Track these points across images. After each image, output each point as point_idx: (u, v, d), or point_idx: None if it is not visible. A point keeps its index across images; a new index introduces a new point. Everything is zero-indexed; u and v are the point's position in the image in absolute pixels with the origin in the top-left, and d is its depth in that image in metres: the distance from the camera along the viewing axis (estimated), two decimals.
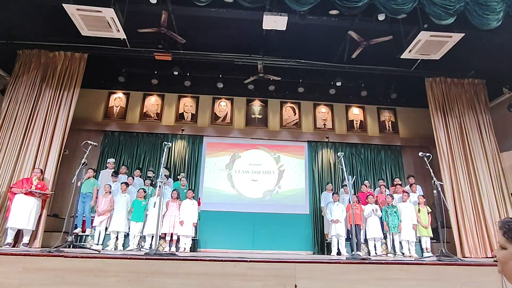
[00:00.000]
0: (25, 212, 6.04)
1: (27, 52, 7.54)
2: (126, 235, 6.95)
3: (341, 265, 3.50)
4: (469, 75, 8.23)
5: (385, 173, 9.58)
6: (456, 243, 7.09)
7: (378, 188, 8.24)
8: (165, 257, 3.48)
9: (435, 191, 5.10)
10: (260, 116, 9.85)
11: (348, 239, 7.34)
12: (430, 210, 7.13)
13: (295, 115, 9.96)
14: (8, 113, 7.01)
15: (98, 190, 7.39)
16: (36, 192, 6.20)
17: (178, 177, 8.46)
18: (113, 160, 8.30)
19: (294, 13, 6.05)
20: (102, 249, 6.59)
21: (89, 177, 7.32)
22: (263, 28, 6.14)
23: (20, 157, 6.75)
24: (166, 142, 5.14)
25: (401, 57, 6.91)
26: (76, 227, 6.89)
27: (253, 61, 7.98)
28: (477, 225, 7.14)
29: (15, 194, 6.13)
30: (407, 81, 8.88)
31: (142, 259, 3.34)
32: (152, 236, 6.70)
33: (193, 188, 8.55)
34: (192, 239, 7.25)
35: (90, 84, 8.60)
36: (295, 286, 3.19)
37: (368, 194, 7.72)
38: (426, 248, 6.96)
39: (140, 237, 6.91)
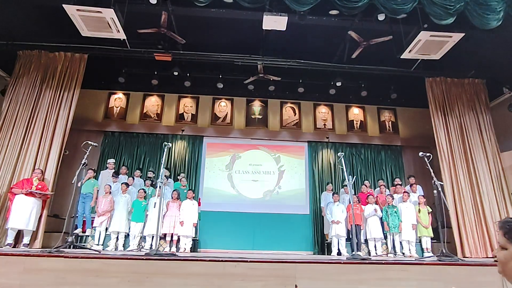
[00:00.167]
0: (25, 213, 6.04)
1: (27, 52, 7.54)
2: (127, 236, 6.95)
3: (342, 265, 3.50)
4: (469, 75, 8.23)
5: (385, 173, 9.58)
6: (457, 243, 7.08)
7: (378, 188, 8.24)
8: (166, 258, 3.48)
9: (435, 191, 5.10)
10: (260, 117, 9.85)
11: (348, 239, 7.34)
12: (430, 210, 7.13)
13: (295, 115, 9.96)
14: (9, 113, 7.01)
15: (98, 190, 7.39)
16: (36, 192, 6.20)
17: (178, 177, 8.46)
18: (113, 160, 8.30)
19: (294, 13, 6.05)
20: (103, 249, 6.59)
21: (89, 178, 7.33)
22: (263, 28, 6.14)
23: (20, 157, 6.75)
24: (166, 143, 5.14)
25: (401, 57, 6.91)
26: (76, 228, 6.89)
27: (253, 61, 7.98)
28: (477, 225, 7.14)
29: (15, 194, 6.13)
30: (407, 81, 8.87)
31: (143, 259, 3.34)
32: (153, 237, 6.71)
33: (193, 188, 8.54)
34: (192, 240, 7.26)
35: (90, 84, 8.60)
36: (296, 286, 3.19)
37: (368, 194, 7.71)
38: (427, 248, 6.95)
39: (141, 237, 6.91)
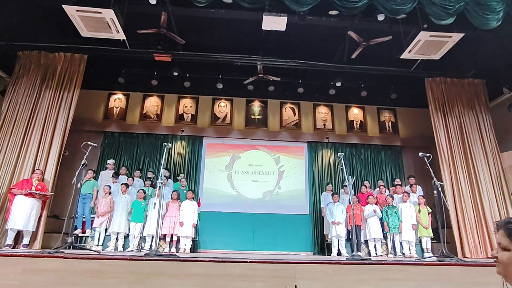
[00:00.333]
0: (25, 213, 6.04)
1: (27, 53, 7.54)
2: (126, 236, 6.94)
3: (342, 265, 3.49)
4: (469, 75, 8.23)
5: (385, 173, 9.58)
6: (457, 243, 7.08)
7: (378, 189, 8.23)
8: (165, 258, 3.47)
9: (435, 191, 5.09)
10: (260, 117, 9.85)
11: (348, 239, 7.34)
12: (430, 211, 7.13)
13: (295, 115, 9.95)
14: (8, 114, 7.01)
15: (98, 191, 7.39)
16: (36, 193, 6.20)
17: (178, 178, 8.45)
18: (113, 161, 8.30)
19: (293, 13, 6.06)
20: (102, 250, 6.58)
21: (89, 178, 7.32)
22: (263, 28, 6.14)
23: (20, 158, 6.75)
24: (166, 143, 5.13)
25: (401, 57, 6.91)
26: (76, 228, 6.89)
27: (252, 61, 7.98)
28: (477, 225, 7.14)
29: (15, 195, 6.13)
30: (407, 81, 8.88)
31: (142, 260, 3.34)
32: (152, 237, 6.71)
33: (193, 189, 8.55)
34: (192, 240, 7.25)
35: (90, 85, 8.60)
36: (295, 286, 3.19)
37: (368, 194, 7.71)
38: (427, 248, 6.95)
39: (140, 238, 6.91)
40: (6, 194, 6.35)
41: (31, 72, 7.38)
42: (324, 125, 9.93)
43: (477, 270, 3.53)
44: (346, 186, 7.50)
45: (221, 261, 3.31)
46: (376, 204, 7.54)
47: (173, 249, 6.90)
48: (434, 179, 5.14)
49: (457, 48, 6.58)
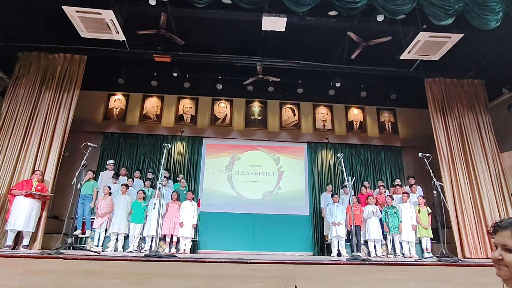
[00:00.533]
0: (25, 214, 6.04)
1: (27, 54, 7.55)
2: (126, 237, 6.94)
3: (341, 266, 3.49)
4: (468, 75, 8.24)
5: (385, 174, 9.58)
6: (457, 243, 7.08)
7: (378, 189, 8.23)
8: (165, 259, 3.47)
9: (435, 192, 5.10)
10: (259, 117, 9.86)
11: (348, 240, 7.34)
12: (430, 211, 7.13)
13: (294, 116, 9.96)
14: (8, 115, 7.01)
15: (98, 191, 7.39)
16: (36, 194, 6.20)
17: (178, 178, 8.45)
18: (113, 161, 8.30)
19: (293, 14, 6.05)
20: (102, 250, 6.58)
21: (88, 179, 7.32)
22: (262, 29, 6.14)
23: (20, 159, 6.75)
24: (165, 144, 5.14)
25: (401, 57, 6.91)
26: (76, 229, 6.89)
27: (252, 62, 7.99)
28: (477, 226, 7.14)
29: (15, 196, 6.13)
30: (407, 82, 8.89)
31: (142, 260, 3.34)
32: (152, 238, 6.70)
33: (192, 189, 8.56)
34: (192, 241, 7.25)
35: (89, 85, 8.60)
36: (295, 287, 3.19)
37: (368, 195, 7.71)
38: (427, 248, 6.95)
39: (140, 238, 6.91)
40: (6, 195, 6.35)
41: (31, 73, 7.39)
42: (324, 125, 9.93)
43: (477, 271, 3.53)
44: (345, 186, 7.50)
45: (221, 262, 3.31)
46: (376, 204, 7.54)
47: (173, 250, 6.90)
48: (434, 179, 5.14)
49: (457, 49, 6.59)
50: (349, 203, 6.31)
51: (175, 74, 8.71)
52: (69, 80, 7.50)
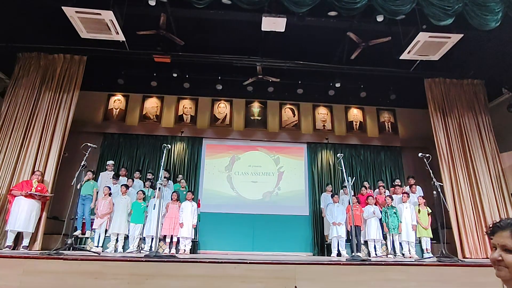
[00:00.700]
0: (25, 215, 6.03)
1: (26, 54, 7.55)
2: (126, 237, 6.94)
3: (341, 266, 3.49)
4: (468, 75, 8.25)
5: (385, 174, 9.58)
6: (457, 244, 7.08)
7: (378, 189, 8.23)
8: (165, 259, 3.47)
9: (435, 192, 5.10)
10: (259, 118, 9.86)
11: (348, 240, 7.34)
12: (430, 211, 7.12)
13: (294, 116, 9.96)
14: (8, 115, 7.01)
15: (97, 192, 7.39)
16: (36, 194, 6.20)
17: (177, 179, 8.45)
18: (112, 162, 8.30)
19: (292, 14, 6.06)
20: (102, 251, 6.58)
21: (88, 179, 7.32)
22: (262, 29, 6.14)
23: (19, 159, 6.75)
24: (165, 144, 5.14)
25: (400, 58, 6.91)
26: (76, 230, 6.89)
27: (252, 62, 7.99)
28: (477, 226, 7.14)
29: (15, 196, 6.13)
30: (406, 82, 8.88)
31: (142, 261, 3.34)
32: (152, 238, 6.70)
33: (192, 190, 8.56)
34: (192, 241, 7.25)
35: (89, 86, 8.60)
36: (295, 287, 3.19)
37: (367, 195, 7.71)
38: (426, 249, 6.95)
39: (140, 239, 6.91)
40: (6, 195, 6.35)
41: (30, 74, 7.39)
42: (324, 126, 9.93)
43: (477, 271, 3.53)
44: (345, 187, 7.50)
45: (221, 262, 3.31)
46: (375, 204, 7.54)
47: (173, 250, 6.90)
48: (434, 179, 5.14)
49: (456, 49, 6.59)
50: (349, 203, 6.31)
51: (175, 75, 8.70)
52: (69, 81, 7.50)
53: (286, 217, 8.97)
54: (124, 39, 6.51)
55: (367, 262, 3.80)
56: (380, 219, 7.27)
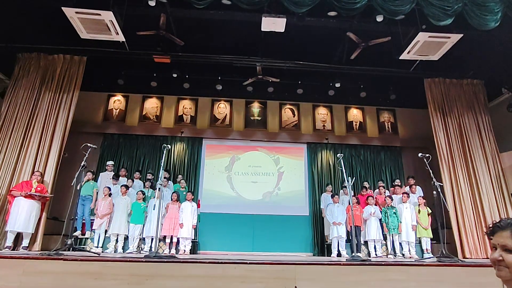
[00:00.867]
0: (24, 215, 6.03)
1: (26, 55, 7.55)
2: (126, 238, 6.94)
3: (341, 266, 3.49)
4: (468, 75, 8.25)
5: (385, 174, 9.58)
6: (457, 244, 7.08)
7: (377, 190, 8.23)
8: (165, 260, 3.47)
9: (435, 192, 5.10)
10: (259, 118, 9.85)
11: (348, 240, 7.34)
12: (430, 211, 7.12)
13: (294, 116, 9.96)
14: (8, 116, 7.01)
15: (97, 192, 7.39)
16: (35, 195, 6.19)
17: (177, 179, 8.45)
18: (112, 162, 8.29)
19: (292, 15, 6.06)
20: (102, 251, 6.58)
21: (88, 180, 7.32)
22: (262, 30, 6.14)
23: (19, 160, 6.75)
24: (165, 144, 5.14)
25: (400, 58, 6.91)
26: (75, 230, 6.89)
27: (252, 63, 7.99)
28: (477, 226, 7.14)
29: (14, 197, 6.12)
30: (406, 82, 8.89)
31: (142, 261, 3.34)
32: (152, 239, 6.70)
33: (192, 190, 8.56)
34: (192, 241, 7.25)
35: (89, 86, 8.61)
36: (295, 287, 3.19)
37: (367, 195, 7.71)
38: (427, 249, 6.95)
39: (140, 239, 6.91)
40: (5, 196, 6.34)
41: (30, 74, 7.39)
42: (324, 126, 9.93)
43: (477, 271, 3.53)
44: (345, 187, 7.50)
45: (221, 263, 3.30)
46: (375, 205, 7.54)
47: (173, 251, 6.90)
48: (434, 179, 5.14)
49: (456, 49, 6.58)
50: (349, 204, 6.31)
51: (174, 75, 8.70)
52: (69, 81, 7.50)
53: (286, 217, 8.97)
54: (124, 40, 6.51)
55: (367, 262, 3.80)
56: (380, 219, 7.27)
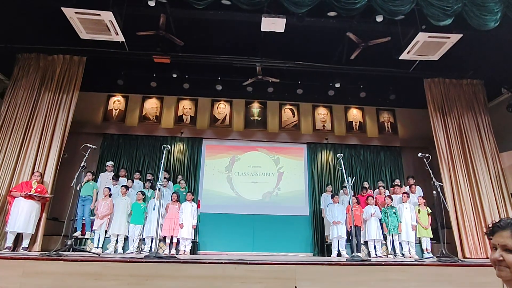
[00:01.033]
0: (24, 216, 6.02)
1: (26, 55, 7.54)
2: (126, 238, 6.94)
3: (342, 266, 3.49)
4: (467, 75, 8.26)
5: (385, 174, 9.58)
6: (457, 243, 7.09)
7: (377, 190, 8.23)
8: (165, 260, 3.47)
9: (434, 192, 5.10)
10: (259, 118, 9.85)
11: (348, 240, 7.34)
12: (430, 211, 7.13)
13: (294, 116, 9.96)
14: (7, 116, 7.01)
15: (97, 193, 7.39)
16: (35, 195, 6.19)
17: (177, 179, 8.44)
18: (112, 163, 8.28)
19: (292, 15, 6.06)
20: (102, 252, 6.58)
21: (88, 180, 7.32)
22: (262, 30, 6.14)
23: (19, 160, 6.75)
24: (165, 145, 5.14)
25: (400, 58, 6.91)
26: (75, 231, 6.89)
27: (251, 63, 7.99)
28: (477, 226, 7.15)
29: (14, 197, 6.12)
30: (406, 82, 8.89)
31: (142, 262, 3.33)
32: (152, 239, 6.70)
33: (192, 190, 8.56)
34: (192, 242, 7.25)
35: (89, 87, 8.60)
36: None
37: (367, 195, 7.71)
38: (426, 249, 6.96)
39: (140, 240, 6.90)
40: (5, 196, 6.34)
41: (30, 75, 7.39)
42: (324, 126, 9.94)
43: (477, 271, 3.53)
44: (345, 187, 7.50)
45: (221, 263, 3.30)
46: (375, 205, 7.54)
47: (173, 251, 6.90)
48: (434, 179, 5.14)
49: (456, 49, 6.59)
50: (349, 204, 6.31)
51: (174, 75, 8.70)
52: (68, 82, 7.50)
53: (286, 218, 8.97)
54: (124, 40, 6.51)
55: (367, 262, 3.80)
56: (380, 219, 7.27)
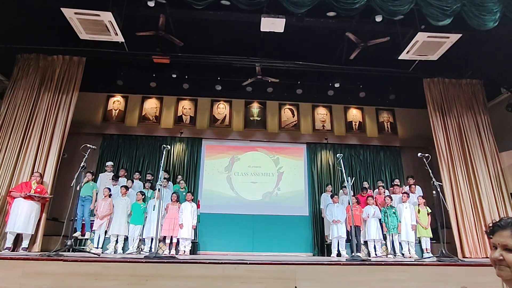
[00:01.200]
0: (24, 216, 6.02)
1: (25, 56, 7.54)
2: (126, 238, 6.94)
3: (341, 266, 3.50)
4: (467, 75, 8.27)
5: (385, 174, 9.58)
6: (456, 243, 7.09)
7: (377, 190, 8.24)
8: (165, 260, 3.47)
9: (434, 192, 5.10)
10: (258, 118, 9.85)
11: (348, 240, 7.34)
12: (430, 211, 7.13)
13: (293, 116, 9.96)
14: (7, 117, 7.00)
15: (97, 193, 7.38)
16: (35, 196, 6.19)
17: (177, 180, 8.44)
18: (112, 163, 8.27)
19: (291, 15, 6.06)
20: (102, 252, 6.58)
21: (88, 181, 7.31)
22: (261, 30, 6.14)
23: (19, 161, 6.74)
24: (165, 145, 5.14)
25: (399, 58, 6.92)
26: (75, 231, 6.88)
27: (251, 63, 7.99)
28: (477, 226, 7.16)
29: (14, 198, 6.12)
30: (405, 82, 8.90)
31: (142, 262, 3.34)
32: (152, 239, 6.70)
33: (192, 190, 8.56)
34: (192, 242, 7.25)
35: (88, 87, 8.60)
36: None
37: (367, 195, 7.71)
38: (426, 248, 6.96)
39: (140, 240, 6.90)
40: (5, 197, 6.34)
41: (29, 75, 7.38)
42: (323, 126, 9.94)
43: (477, 270, 3.53)
44: (345, 187, 7.50)
45: (221, 263, 3.31)
46: (375, 205, 7.54)
47: (173, 251, 6.90)
48: (433, 179, 5.15)
49: (455, 49, 6.60)
50: (349, 204, 6.31)
51: (174, 76, 8.70)
52: (68, 82, 7.50)
53: (286, 218, 8.96)
54: (123, 40, 6.51)
55: (367, 262, 3.81)
56: (380, 219, 7.28)
